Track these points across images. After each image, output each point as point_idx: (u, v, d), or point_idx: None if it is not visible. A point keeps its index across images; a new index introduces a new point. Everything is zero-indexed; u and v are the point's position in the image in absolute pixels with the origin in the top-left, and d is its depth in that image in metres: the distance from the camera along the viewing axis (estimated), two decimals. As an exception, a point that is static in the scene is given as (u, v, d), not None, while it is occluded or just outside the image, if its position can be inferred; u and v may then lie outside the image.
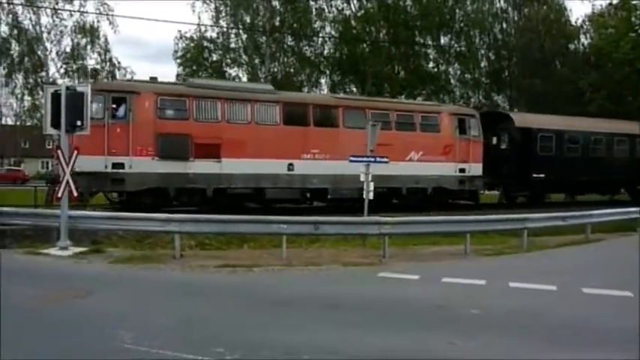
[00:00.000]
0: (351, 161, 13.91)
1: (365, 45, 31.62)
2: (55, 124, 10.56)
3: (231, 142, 16.58)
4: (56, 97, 10.51)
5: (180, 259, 10.56)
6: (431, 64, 33.95)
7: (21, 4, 27.51)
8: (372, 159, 13.54)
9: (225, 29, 30.88)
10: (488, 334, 5.96)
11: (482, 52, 34.91)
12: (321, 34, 32.25)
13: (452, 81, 34.69)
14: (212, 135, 16.37)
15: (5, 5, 27.26)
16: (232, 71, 31.99)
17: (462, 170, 19.78)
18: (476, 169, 20.00)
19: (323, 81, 33.42)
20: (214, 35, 31.23)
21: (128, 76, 29.31)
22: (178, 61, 31.62)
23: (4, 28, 27.60)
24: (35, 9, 27.67)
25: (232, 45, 31.33)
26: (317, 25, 32.00)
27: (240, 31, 30.74)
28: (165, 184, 15.89)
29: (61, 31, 28.72)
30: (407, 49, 31.87)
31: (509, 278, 8.70)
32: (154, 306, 7.04)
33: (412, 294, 7.96)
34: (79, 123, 10.59)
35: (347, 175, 17.49)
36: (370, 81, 30.69)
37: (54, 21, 28.50)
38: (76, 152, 10.86)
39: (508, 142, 22.41)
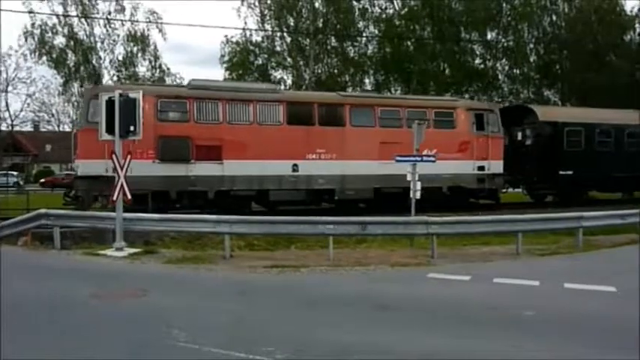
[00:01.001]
0: (397, 161, 13.77)
1: (409, 43, 31.33)
2: (110, 129, 10.94)
3: (232, 143, 16.36)
4: (110, 104, 10.90)
5: (230, 259, 10.74)
6: (477, 60, 33.33)
7: (76, 16, 28.75)
8: (419, 158, 13.37)
9: (269, 33, 31.25)
10: (543, 336, 5.79)
11: (531, 46, 33.95)
12: (364, 34, 32.18)
13: (500, 77, 33.90)
14: (213, 136, 16.19)
15: (62, 18, 28.54)
16: (277, 74, 32.38)
17: (481, 168, 18.94)
18: (496, 166, 19.09)
19: (367, 81, 33.36)
20: (259, 39, 31.69)
21: (177, 82, 30.16)
22: (225, 65, 32.21)
23: (62, 40, 28.94)
24: (89, 20, 28.85)
25: (277, 48, 31.68)
26: (360, 25, 31.97)
27: (285, 34, 31.05)
28: (167, 187, 15.81)
29: (114, 40, 29.96)
30: (452, 46, 31.39)
31: (564, 279, 8.41)
32: (206, 305, 7.19)
33: (463, 295, 7.82)
34: (132, 128, 10.95)
35: (355, 175, 17.43)
36: (415, 79, 30.38)
37: (107, 31, 29.76)
38: (129, 157, 11.22)
39: (532, 138, 21.30)
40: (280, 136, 16.79)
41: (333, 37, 31.39)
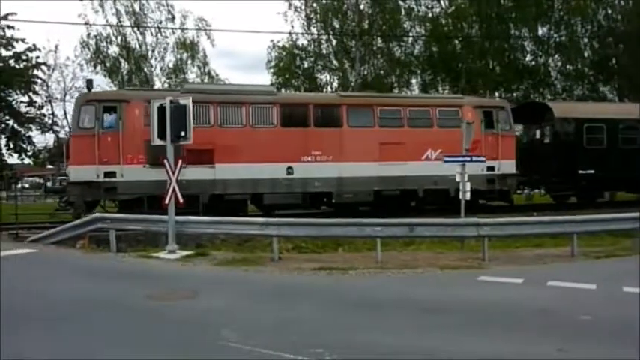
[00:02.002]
0: (446, 161, 13.57)
1: (457, 42, 30.82)
2: (162, 135, 11.27)
3: (224, 147, 16.09)
4: (161, 110, 11.24)
5: (278, 261, 10.86)
6: (528, 57, 32.36)
7: (129, 26, 29.78)
8: (468, 159, 13.13)
9: (315, 36, 31.42)
10: (601, 342, 5.57)
11: (585, 40, 32.66)
12: (410, 34, 31.88)
13: (552, 73, 32.80)
14: (204, 140, 15.67)
15: (115, 28, 29.64)
16: (323, 77, 32.48)
17: (491, 169, 17.89)
18: (507, 166, 18.09)
19: (414, 81, 32.99)
20: (305, 43, 31.89)
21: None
22: (271, 70, 32.58)
23: (115, 49, 30.01)
24: (141, 29, 29.83)
25: (323, 51, 31.79)
26: (406, 25, 31.68)
27: (331, 36, 31.13)
28: (158, 191, 15.17)
29: (164, 48, 30.78)
30: (502, 43, 30.64)
31: (622, 282, 8.05)
32: (256, 306, 7.30)
33: (515, 298, 7.61)
34: (182, 133, 11.25)
35: (354, 178, 16.76)
36: (463, 78, 29.86)
37: (157, 39, 30.61)
38: (180, 162, 11.53)
39: (549, 136, 20.23)
40: (274, 139, 16.44)
41: (379, 38, 31.24)
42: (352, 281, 9.09)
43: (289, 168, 16.56)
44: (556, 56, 32.40)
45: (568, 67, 32.49)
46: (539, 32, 31.70)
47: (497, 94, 31.16)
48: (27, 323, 6.38)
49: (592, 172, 19.23)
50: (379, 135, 17.32)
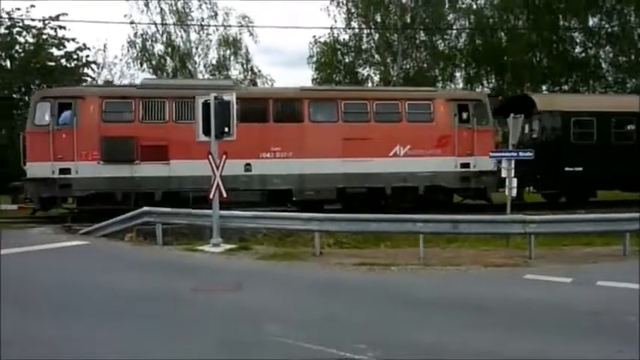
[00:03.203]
0: (491, 157, 13.28)
1: (502, 34, 30.08)
2: (206, 131, 11.48)
3: (179, 143, 15.62)
4: (206, 106, 11.44)
5: (320, 256, 10.89)
6: (578, 49, 31.25)
7: (173, 24, 30.40)
8: (515, 154, 12.83)
9: (357, 30, 31.27)
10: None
11: (639, 31, 31.30)
12: (454, 27, 31.31)
13: (603, 65, 31.59)
14: (159, 136, 15.71)
15: (160, 27, 30.31)
16: (364, 71, 32.31)
17: (465, 165, 17.12)
18: (484, 163, 16.91)
19: (458, 74, 32.42)
20: (347, 37, 31.79)
21: (268, 84, 31.07)
22: (313, 65, 32.62)
23: (161, 47, 30.70)
24: (185, 27, 30.39)
25: (364, 45, 31.61)
26: (450, 17, 31.14)
27: (372, 30, 30.92)
28: (112, 188, 15.55)
29: (207, 46, 31.26)
30: (550, 35, 29.69)
31: (679, 283, 7.72)
32: (298, 301, 7.37)
33: (563, 298, 7.40)
34: (226, 129, 11.42)
35: (315, 175, 16.16)
36: (509, 72, 29.14)
37: (200, 36, 31.12)
38: (225, 156, 11.71)
39: (533, 131, 19.15)
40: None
41: (421, 31, 30.84)
42: (394, 277, 9.04)
43: (247, 164, 16.20)
44: (607, 47, 31.15)
45: (620, 58, 31.19)
46: (590, 23, 30.56)
47: (544, 87, 30.29)
48: (79, 315, 6.64)
49: (580, 169, 17.97)
50: (343, 130, 16.72)
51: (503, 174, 12.78)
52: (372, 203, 16.02)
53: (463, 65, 31.89)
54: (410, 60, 31.20)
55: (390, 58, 30.89)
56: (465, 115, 17.39)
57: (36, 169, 15.29)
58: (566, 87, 30.26)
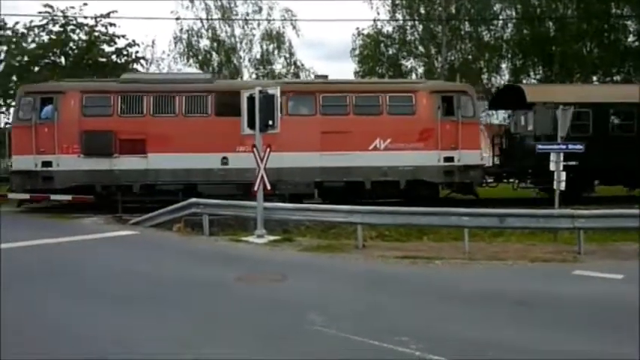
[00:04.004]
0: (539, 150, 12.93)
1: (550, 24, 29.15)
2: (251, 124, 11.66)
3: (157, 136, 15.93)
4: (251, 100, 11.62)
5: (362, 249, 10.91)
6: (631, 38, 29.95)
7: (218, 19, 30.87)
8: (564, 146, 12.46)
9: (401, 22, 30.96)
10: None
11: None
12: (500, 17, 30.56)
13: (658, 55, 30.17)
14: (137, 130, 15.90)
15: (205, 22, 30.84)
16: (408, 63, 31.98)
17: (449, 159, 16.41)
18: (470, 157, 16.47)
19: (504, 66, 31.64)
20: (390, 30, 31.51)
21: (311, 77, 31.16)
22: (356, 58, 32.51)
23: (206, 42, 31.24)
24: (230, 22, 30.82)
25: (408, 37, 31.26)
26: (496, 7, 30.40)
27: (416, 22, 30.54)
28: (92, 180, 15.86)
29: (251, 40, 31.61)
30: (601, 24, 28.58)
31: None
32: (341, 292, 7.41)
33: (615, 295, 7.18)
34: (270, 122, 11.56)
35: (293, 168, 15.88)
36: (557, 62, 28.25)
37: (245, 31, 31.48)
38: (269, 149, 11.87)
39: (525, 123, 18.26)
40: (209, 128, 16.01)
41: (466, 22, 30.26)
42: (438, 271, 8.99)
43: (224, 158, 16.21)
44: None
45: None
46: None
47: (595, 78, 29.24)
48: (128, 301, 6.90)
49: (574, 163, 16.50)
50: (321, 123, 16.40)
51: (552, 167, 12.46)
52: (351, 197, 15.61)
53: (509, 56, 31.11)
54: (455, 51, 30.67)
55: (435, 50, 30.46)
56: (449, 108, 16.78)
57: (20, 162, 15.88)
58: (618, 78, 29.10)
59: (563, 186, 12.40)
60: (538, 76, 30.67)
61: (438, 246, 11.34)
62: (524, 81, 30.10)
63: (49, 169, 15.82)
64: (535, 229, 11.66)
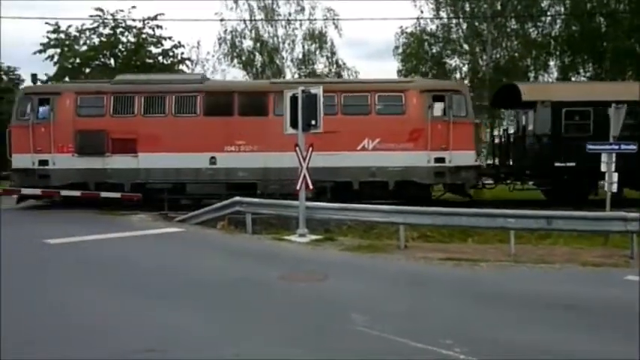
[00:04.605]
0: (590, 150, 12.51)
1: (601, 19, 28.13)
2: (294, 124, 11.74)
3: (147, 136, 16.31)
4: (294, 99, 11.70)
5: (405, 249, 10.83)
6: (689, 33, 28.55)
7: (261, 20, 31.20)
8: (617, 146, 12.03)
9: (445, 20, 30.51)
10: None
11: None
12: (548, 13, 29.69)
13: None
14: (128, 130, 16.29)
15: (249, 23, 31.22)
16: (452, 62, 31.48)
17: (440, 160, 16.00)
18: (462, 158, 16.10)
19: (552, 63, 30.73)
20: (434, 28, 31.11)
21: (352, 77, 31.12)
22: (399, 57, 32.22)
23: (249, 43, 31.62)
24: (273, 22, 31.09)
25: (452, 35, 30.78)
26: (544, 3, 29.55)
27: (461, 20, 30.03)
28: (85, 179, 16.37)
29: (293, 40, 31.80)
30: (655, 18, 27.37)
31: None
32: (383, 293, 7.38)
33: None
34: (313, 122, 11.61)
35: (280, 169, 15.72)
36: (608, 60, 27.22)
37: (287, 31, 31.70)
38: (311, 149, 11.92)
39: (525, 122, 17.66)
40: (197, 128, 16.31)
41: (512, 19, 29.55)
42: (483, 273, 8.82)
43: (212, 158, 16.43)
44: None
45: None
46: None
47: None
48: (175, 297, 7.08)
49: (573, 164, 16.36)
50: None
51: (603, 168, 12.04)
52: (340, 198, 15.43)
53: (557, 53, 30.18)
54: (500, 49, 29.98)
55: (480, 48, 29.86)
56: (440, 107, 16.41)
57: (19, 160, 16.60)
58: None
59: (615, 188, 11.97)
60: (588, 74, 29.64)
61: (483, 248, 11.14)
62: (572, 78, 29.19)
63: (46, 167, 16.57)
64: (584, 232, 11.28)
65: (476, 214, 11.00)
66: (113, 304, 6.68)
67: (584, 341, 5.34)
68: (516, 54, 29.98)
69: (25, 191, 16.50)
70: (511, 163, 19.10)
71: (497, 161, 19.65)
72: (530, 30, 29.94)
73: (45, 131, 16.52)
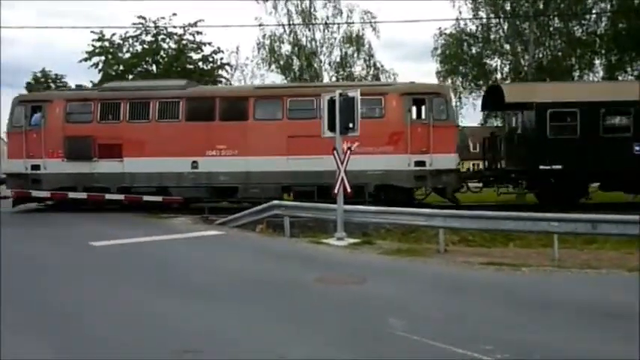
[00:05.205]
0: (637, 152, 12.04)
1: (651, 16, 27.09)
2: (331, 127, 11.75)
3: (132, 141, 16.83)
4: (331, 103, 11.72)
5: (445, 253, 10.69)
6: None
7: (300, 24, 31.41)
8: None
9: (484, 20, 30.00)
10: None
11: None
12: (594, 11, 28.79)
13: None
14: (114, 135, 16.86)
15: (287, 28, 31.47)
16: (493, 62, 30.90)
17: (420, 163, 15.68)
18: (443, 161, 15.98)
19: (597, 62, 29.78)
20: (474, 28, 30.62)
21: (390, 79, 30.94)
22: (437, 58, 31.86)
23: (287, 47, 31.87)
24: (311, 27, 31.24)
25: (492, 35, 30.22)
26: (589, 1, 28.67)
27: (501, 19, 29.46)
28: (74, 183, 16.81)
29: (331, 44, 31.87)
30: None
31: None
32: (422, 298, 7.29)
33: None
34: (350, 125, 11.60)
35: (260, 172, 15.98)
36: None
37: (325, 34, 31.80)
38: (349, 152, 11.92)
39: (516, 124, 17.37)
40: (179, 133, 16.69)
41: (556, 18, 28.78)
42: (525, 279, 8.59)
43: (194, 162, 16.76)
44: None
45: None
46: None
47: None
48: (216, 298, 7.18)
49: (560, 167, 15.91)
50: (288, 128, 16.54)
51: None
52: (320, 201, 15.26)
53: (603, 52, 29.23)
54: (543, 49, 29.26)
55: (521, 48, 29.20)
56: (421, 110, 16.55)
57: (13, 165, 17.48)
58: None
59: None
60: (636, 73, 28.61)
61: (525, 252, 10.89)
62: (619, 77, 28.20)
63: (38, 172, 17.35)
64: (633, 237, 10.85)
65: (518, 218, 10.76)
66: (154, 301, 6.83)
67: (631, 352, 5.13)
68: (560, 53, 29.20)
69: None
70: (499, 166, 18.95)
71: (483, 165, 19.60)
72: (575, 28, 29.10)
73: (37, 137, 17.33)
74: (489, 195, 18.61)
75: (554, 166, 16.29)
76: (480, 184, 18.83)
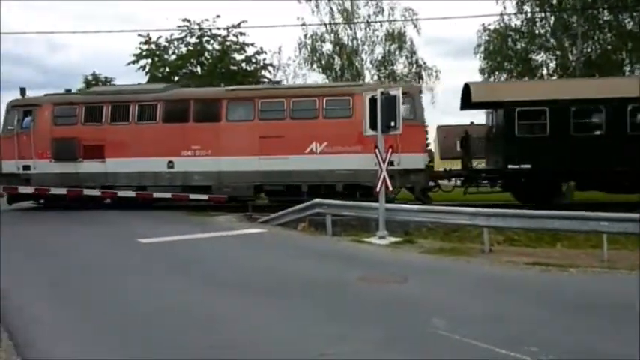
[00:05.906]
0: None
1: None
2: (373, 125, 11.76)
3: (113, 143, 17.64)
4: (373, 101, 11.73)
5: (489, 253, 10.53)
6: None
7: (342, 23, 31.46)
8: None
9: (529, 15, 29.27)
10: None
11: None
12: (647, 3, 27.64)
13: None
14: (97, 137, 17.71)
15: (329, 27, 31.57)
16: (539, 57, 30.14)
17: (389, 163, 14.49)
18: (412, 160, 16.08)
19: (649, 56, 28.58)
20: (518, 24, 29.92)
21: (433, 76, 30.63)
22: (481, 54, 31.31)
23: (329, 46, 31.98)
24: (352, 25, 31.26)
25: (538, 30, 29.45)
26: (642, -8, 27.54)
27: (547, 13, 28.67)
28: (62, 183, 17.74)
29: (373, 42, 31.78)
30: None
31: None
32: (466, 297, 7.23)
33: None
34: (392, 124, 11.58)
35: (232, 172, 16.38)
36: None
37: (367, 33, 31.74)
38: (390, 150, 11.90)
39: (492, 123, 16.99)
40: (157, 135, 17.37)
41: (605, 11, 27.78)
42: (572, 280, 8.39)
43: (170, 162, 17.42)
44: None
45: None
46: None
47: None
48: (260, 295, 7.33)
49: (528, 166, 15.53)
50: (259, 128, 16.99)
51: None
52: (291, 200, 15.35)
53: (656, 45, 28.03)
54: (591, 43, 28.32)
55: (569, 42, 28.36)
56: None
57: (7, 166, 18.43)
58: None
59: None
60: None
61: (573, 253, 10.61)
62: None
63: (28, 172, 18.39)
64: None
65: (565, 217, 10.48)
66: (199, 297, 7.03)
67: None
68: (609, 47, 28.19)
69: (122, 194, 17.87)
70: (469, 165, 18.76)
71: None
72: (626, 21, 28.03)
73: (27, 140, 18.34)
74: (457, 195, 18.34)
75: (522, 166, 16.05)
76: (452, 184, 19.06)
